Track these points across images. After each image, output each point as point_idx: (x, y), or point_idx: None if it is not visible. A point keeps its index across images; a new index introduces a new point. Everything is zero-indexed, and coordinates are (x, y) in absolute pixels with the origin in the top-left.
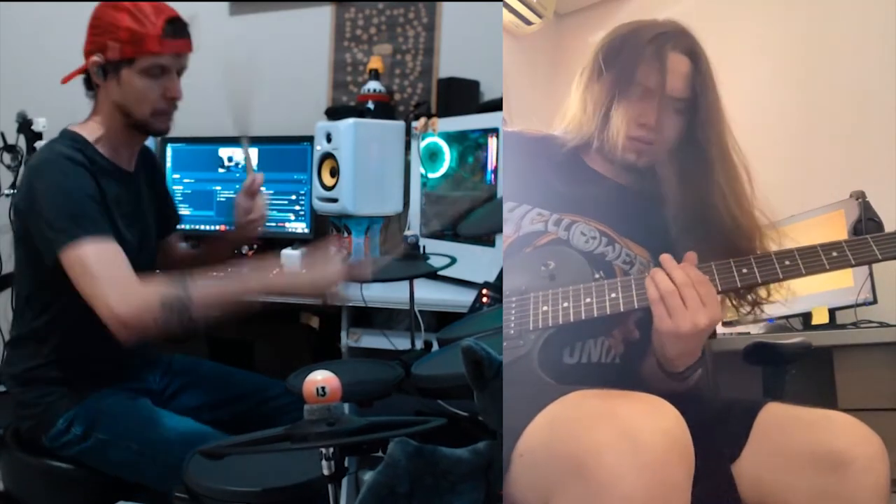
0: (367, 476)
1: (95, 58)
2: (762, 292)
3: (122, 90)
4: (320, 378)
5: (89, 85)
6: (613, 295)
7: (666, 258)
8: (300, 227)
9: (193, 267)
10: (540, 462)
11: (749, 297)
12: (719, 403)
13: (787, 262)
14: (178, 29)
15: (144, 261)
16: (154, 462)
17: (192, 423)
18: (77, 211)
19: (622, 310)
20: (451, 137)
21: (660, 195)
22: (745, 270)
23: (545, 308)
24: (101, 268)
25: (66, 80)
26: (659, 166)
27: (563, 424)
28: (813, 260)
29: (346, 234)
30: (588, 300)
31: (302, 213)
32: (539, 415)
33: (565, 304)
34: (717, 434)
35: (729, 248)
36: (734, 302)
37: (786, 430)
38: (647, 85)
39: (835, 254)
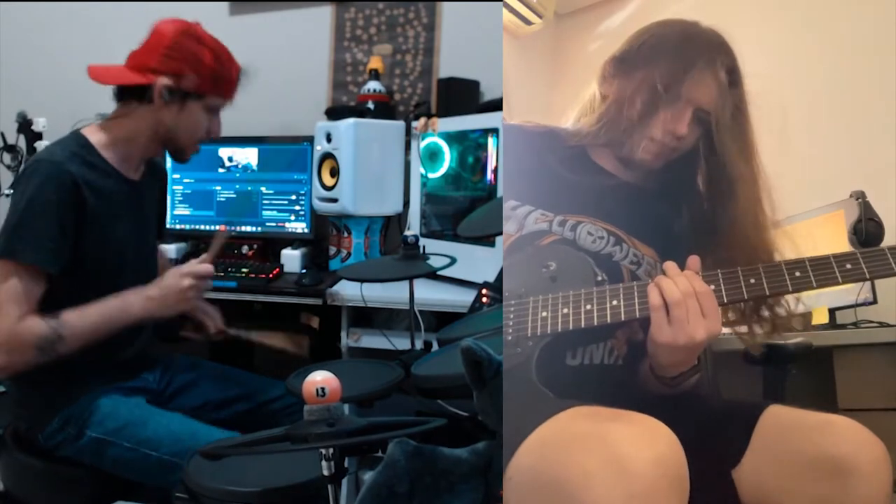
0: (367, 476)
1: (166, 80)
2: (780, 310)
3: (180, 117)
4: (320, 378)
5: (126, 93)
6: (615, 302)
7: (670, 265)
8: (300, 227)
9: None
10: (528, 488)
11: (766, 315)
12: (720, 406)
13: (797, 274)
14: (241, 78)
15: (143, 264)
16: (147, 459)
17: (184, 419)
18: (26, 228)
19: (623, 318)
20: (451, 137)
21: (667, 194)
22: (752, 280)
23: (544, 314)
24: (1, 295)
25: (106, 82)
26: (681, 174)
27: (552, 449)
28: (825, 272)
29: (346, 234)
30: (588, 307)
31: (302, 213)
32: (529, 437)
33: (565, 311)
34: (718, 439)
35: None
36: (752, 325)
37: (787, 436)
38: (690, 96)
39: (849, 266)
